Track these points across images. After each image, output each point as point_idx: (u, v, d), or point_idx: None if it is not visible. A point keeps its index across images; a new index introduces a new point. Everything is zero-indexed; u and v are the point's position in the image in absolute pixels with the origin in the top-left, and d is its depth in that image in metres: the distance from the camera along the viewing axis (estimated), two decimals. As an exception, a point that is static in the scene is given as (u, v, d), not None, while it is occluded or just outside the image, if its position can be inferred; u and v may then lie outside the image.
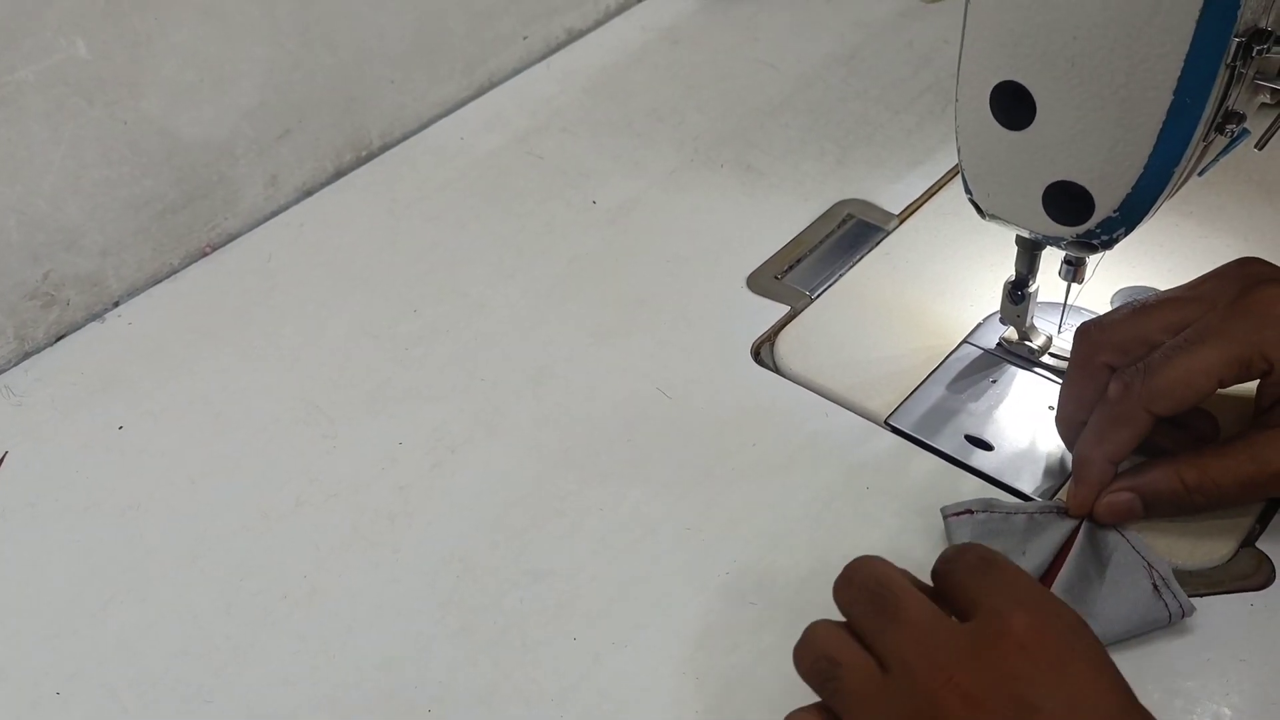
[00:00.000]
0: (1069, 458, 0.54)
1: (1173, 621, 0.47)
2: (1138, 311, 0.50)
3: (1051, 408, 0.56)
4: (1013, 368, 0.58)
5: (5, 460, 0.58)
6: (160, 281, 0.67)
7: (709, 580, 0.51)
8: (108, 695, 0.49)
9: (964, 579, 0.41)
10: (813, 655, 0.42)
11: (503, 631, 0.50)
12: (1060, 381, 0.57)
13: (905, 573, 0.43)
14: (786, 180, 0.71)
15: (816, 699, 0.42)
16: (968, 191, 0.52)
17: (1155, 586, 0.47)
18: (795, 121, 0.76)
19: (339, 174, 0.74)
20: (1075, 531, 0.49)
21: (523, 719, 0.47)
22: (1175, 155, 0.45)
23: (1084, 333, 0.51)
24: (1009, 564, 0.42)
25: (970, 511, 0.50)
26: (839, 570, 0.50)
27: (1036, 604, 0.40)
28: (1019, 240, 0.54)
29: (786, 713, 0.46)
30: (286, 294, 0.66)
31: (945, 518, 0.51)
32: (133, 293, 0.66)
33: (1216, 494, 0.49)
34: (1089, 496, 0.50)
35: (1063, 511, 0.50)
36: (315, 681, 0.49)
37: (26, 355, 0.63)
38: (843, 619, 0.43)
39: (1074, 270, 0.54)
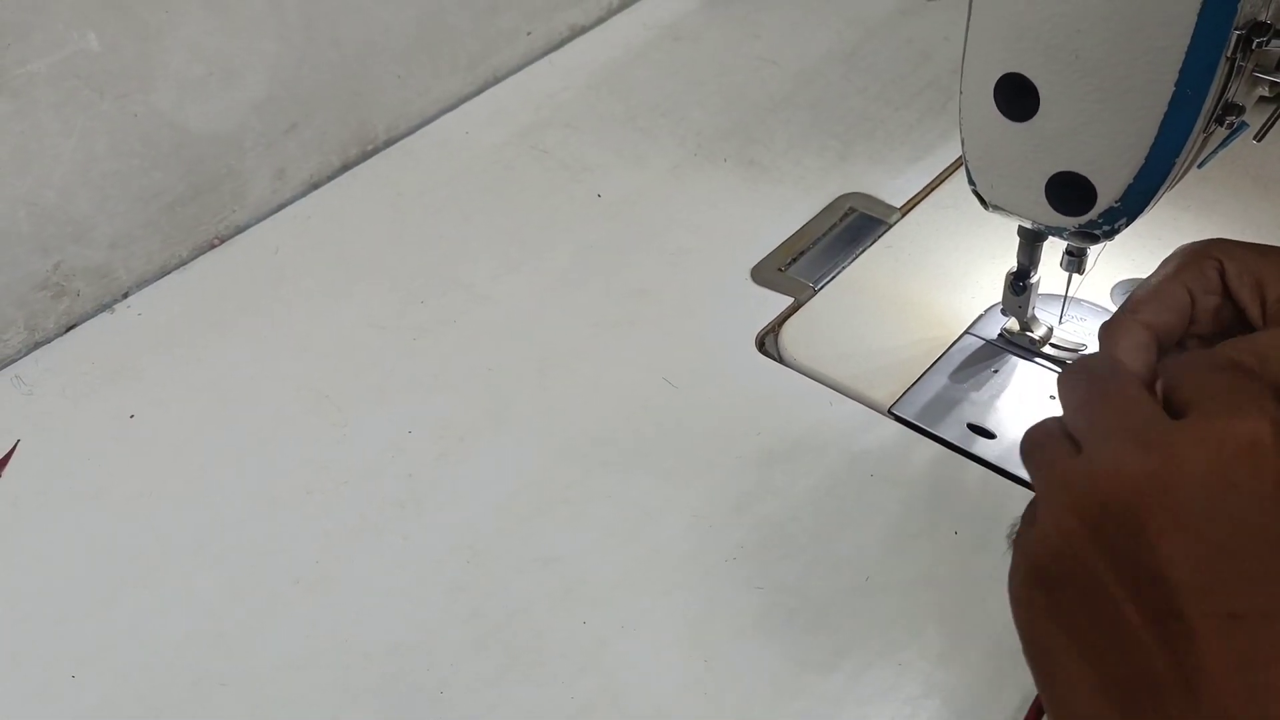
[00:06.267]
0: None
1: None
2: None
3: (1053, 397, 0.57)
4: (1014, 358, 0.59)
5: (17, 449, 0.58)
6: (169, 273, 0.68)
7: (715, 566, 0.52)
8: (121, 679, 0.49)
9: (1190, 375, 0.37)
10: (1030, 435, 0.39)
11: (511, 616, 0.50)
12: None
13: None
14: (789, 175, 0.72)
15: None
16: (971, 183, 0.53)
17: None
18: (796, 117, 0.76)
19: (345, 167, 0.74)
20: None
21: (532, 701, 0.47)
22: (1176, 146, 0.46)
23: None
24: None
25: None
26: (843, 556, 0.51)
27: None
28: (1021, 231, 0.55)
29: (792, 695, 0.47)
30: (294, 285, 0.67)
31: None
32: (142, 284, 0.67)
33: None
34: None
35: None
36: (327, 666, 0.49)
37: (37, 345, 0.64)
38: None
39: (1075, 262, 0.54)
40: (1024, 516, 0.39)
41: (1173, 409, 0.35)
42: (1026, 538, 0.37)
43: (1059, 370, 0.57)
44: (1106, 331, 0.45)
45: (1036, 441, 0.38)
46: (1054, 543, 0.35)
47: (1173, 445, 0.34)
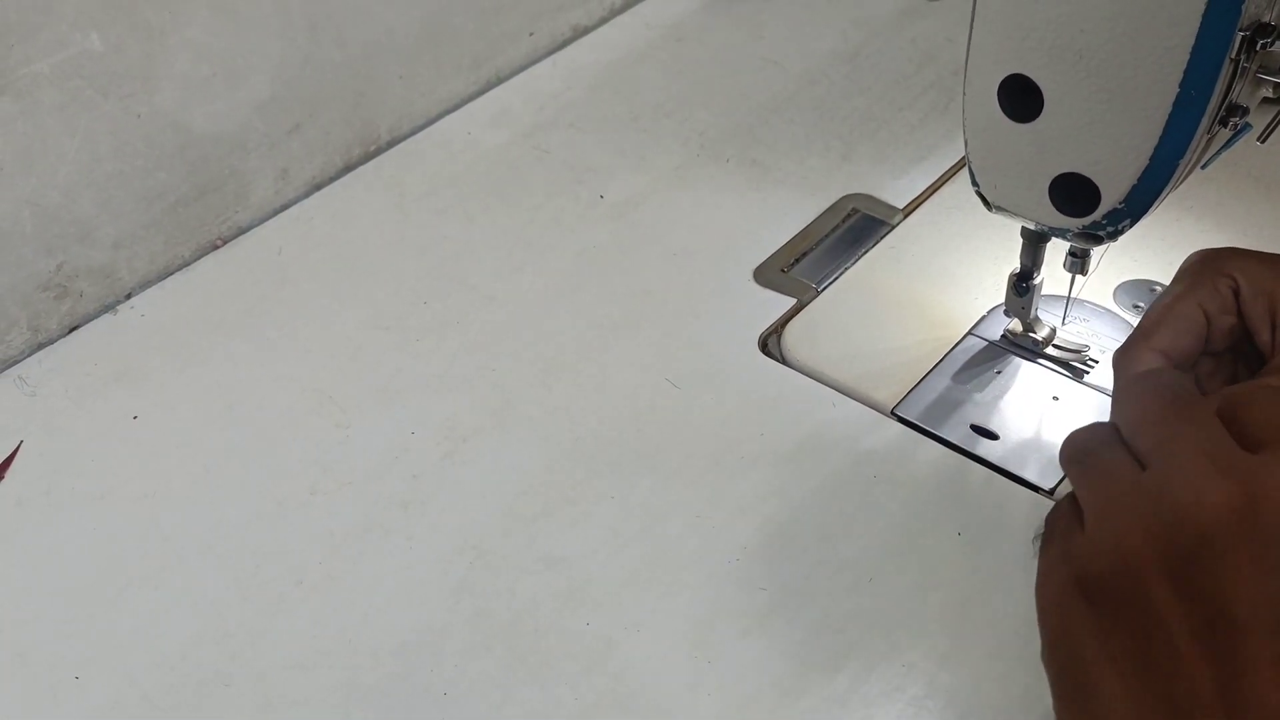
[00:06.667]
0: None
1: None
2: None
3: (1056, 398, 0.57)
4: (1017, 359, 0.59)
5: (20, 450, 0.58)
6: (172, 274, 0.68)
7: (718, 566, 0.52)
8: (126, 680, 0.49)
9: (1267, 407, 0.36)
10: (1080, 440, 0.38)
11: (516, 616, 0.50)
12: (1065, 374, 0.58)
13: None
14: (792, 175, 0.72)
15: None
16: (974, 184, 0.53)
17: None
18: (800, 118, 0.76)
19: (348, 168, 0.74)
20: None
21: (537, 702, 0.47)
22: (1180, 147, 0.46)
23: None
24: None
25: None
26: (847, 557, 0.51)
27: None
28: (1024, 233, 0.55)
29: (797, 695, 0.47)
30: (297, 286, 0.67)
31: None
32: (145, 285, 0.67)
33: None
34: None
35: None
36: (331, 666, 0.49)
37: (40, 346, 0.64)
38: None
39: (1078, 263, 0.54)
40: (1050, 521, 0.38)
41: (1241, 441, 0.34)
42: (1072, 545, 0.36)
43: (1066, 373, 0.58)
44: (1122, 358, 0.44)
45: (1085, 448, 0.37)
46: (1110, 557, 0.34)
47: (1256, 479, 0.33)
